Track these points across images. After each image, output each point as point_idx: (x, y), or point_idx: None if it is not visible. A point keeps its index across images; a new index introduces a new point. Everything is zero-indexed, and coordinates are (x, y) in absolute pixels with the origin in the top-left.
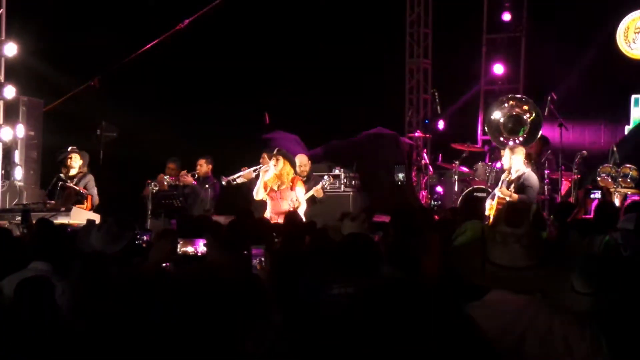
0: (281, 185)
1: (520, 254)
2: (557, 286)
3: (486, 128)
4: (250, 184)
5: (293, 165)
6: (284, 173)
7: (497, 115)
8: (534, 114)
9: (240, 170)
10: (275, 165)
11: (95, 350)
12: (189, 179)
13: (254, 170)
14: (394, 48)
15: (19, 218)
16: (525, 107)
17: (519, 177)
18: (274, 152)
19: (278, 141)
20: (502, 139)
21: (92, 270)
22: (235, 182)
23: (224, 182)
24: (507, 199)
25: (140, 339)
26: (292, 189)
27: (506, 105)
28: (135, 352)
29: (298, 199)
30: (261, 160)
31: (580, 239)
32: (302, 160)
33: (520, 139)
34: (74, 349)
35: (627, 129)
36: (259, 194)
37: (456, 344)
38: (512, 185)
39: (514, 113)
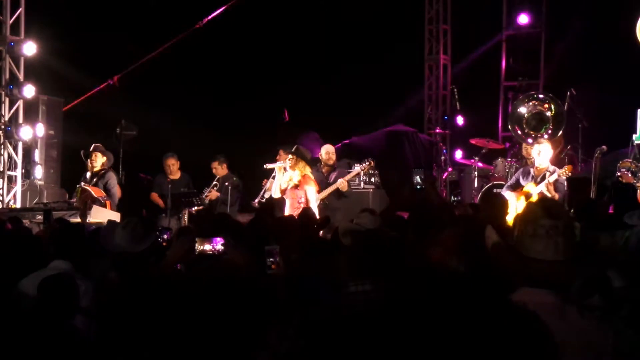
0: (292, 184)
1: (562, 247)
2: (588, 279)
3: (509, 124)
4: None
5: (308, 162)
6: (297, 171)
7: (522, 110)
8: (555, 109)
9: (262, 185)
10: (291, 164)
11: (114, 350)
12: (213, 194)
13: (273, 177)
14: (413, 44)
15: (39, 217)
16: (547, 105)
17: (547, 174)
18: (292, 150)
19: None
20: (523, 135)
21: (117, 270)
22: (265, 198)
23: (257, 205)
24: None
25: (158, 339)
26: (300, 187)
27: (530, 103)
28: (153, 352)
29: (307, 198)
30: (278, 157)
31: (605, 234)
32: (329, 149)
33: (546, 136)
34: (94, 348)
35: (635, 137)
36: (276, 192)
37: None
38: (540, 181)
39: (537, 110)
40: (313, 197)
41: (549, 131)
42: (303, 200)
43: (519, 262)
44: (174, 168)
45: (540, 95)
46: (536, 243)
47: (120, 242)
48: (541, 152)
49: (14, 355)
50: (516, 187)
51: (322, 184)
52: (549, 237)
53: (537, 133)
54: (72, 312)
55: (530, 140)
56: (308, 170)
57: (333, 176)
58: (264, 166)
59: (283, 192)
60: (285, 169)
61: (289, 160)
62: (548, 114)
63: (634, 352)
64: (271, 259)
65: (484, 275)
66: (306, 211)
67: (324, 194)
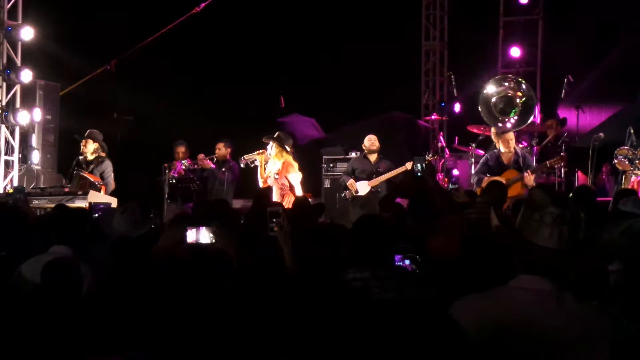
0: (276, 172)
1: (567, 237)
2: (587, 270)
3: (479, 106)
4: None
5: (287, 150)
6: (278, 158)
7: (490, 90)
8: (525, 97)
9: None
10: (276, 152)
11: (115, 332)
12: (207, 162)
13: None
14: (410, 30)
15: (36, 202)
16: (519, 93)
17: (519, 159)
18: (273, 137)
19: (293, 125)
20: (494, 119)
21: (116, 254)
22: (253, 164)
23: (242, 164)
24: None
25: (155, 322)
26: (281, 175)
27: (504, 84)
28: (151, 334)
29: (291, 185)
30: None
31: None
32: (370, 136)
33: (512, 120)
34: (95, 331)
35: None
36: (260, 181)
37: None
38: (515, 166)
39: (508, 94)
40: (297, 183)
41: (516, 117)
42: (287, 186)
43: (521, 248)
44: (183, 156)
45: (510, 83)
46: (542, 230)
47: (118, 226)
48: (511, 140)
49: (14, 339)
50: (486, 171)
51: (372, 173)
52: (555, 225)
53: (504, 117)
54: (75, 296)
55: (500, 125)
56: (290, 158)
57: (383, 166)
58: (241, 158)
59: (265, 181)
60: (266, 157)
61: (272, 147)
62: (517, 100)
63: (630, 341)
64: (274, 220)
65: (482, 262)
66: (301, 200)
67: (375, 182)
